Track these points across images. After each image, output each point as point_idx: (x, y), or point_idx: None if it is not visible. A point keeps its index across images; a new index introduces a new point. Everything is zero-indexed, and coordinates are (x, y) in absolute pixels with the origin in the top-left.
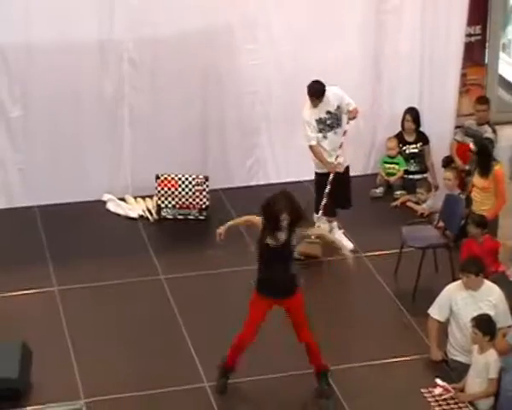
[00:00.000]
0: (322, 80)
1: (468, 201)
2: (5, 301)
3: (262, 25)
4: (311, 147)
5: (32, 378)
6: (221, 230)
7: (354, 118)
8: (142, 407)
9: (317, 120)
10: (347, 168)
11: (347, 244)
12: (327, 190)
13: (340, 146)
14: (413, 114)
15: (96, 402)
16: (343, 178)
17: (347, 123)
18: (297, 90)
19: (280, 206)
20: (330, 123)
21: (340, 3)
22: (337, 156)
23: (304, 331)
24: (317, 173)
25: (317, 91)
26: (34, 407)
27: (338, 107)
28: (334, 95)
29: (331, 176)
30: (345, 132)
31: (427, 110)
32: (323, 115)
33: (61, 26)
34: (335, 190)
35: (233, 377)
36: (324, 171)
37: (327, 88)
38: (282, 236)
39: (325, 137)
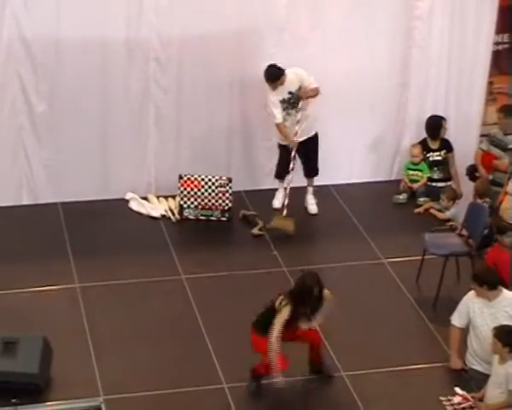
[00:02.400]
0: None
1: (492, 209)
2: (27, 296)
3: (289, 28)
4: (277, 125)
5: (52, 374)
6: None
7: (315, 95)
8: (160, 406)
9: (280, 101)
10: (315, 136)
11: (312, 208)
12: (291, 166)
13: (298, 122)
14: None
15: (115, 400)
16: (311, 146)
17: (305, 100)
18: (323, 94)
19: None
20: (292, 102)
21: (368, 9)
22: (296, 133)
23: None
24: (279, 145)
25: (271, 75)
26: (54, 402)
27: (299, 87)
28: (296, 75)
29: (293, 152)
30: (298, 110)
31: (452, 118)
32: (286, 96)
33: (90, 23)
34: (304, 157)
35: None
36: (286, 143)
37: (288, 70)
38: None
39: (288, 114)
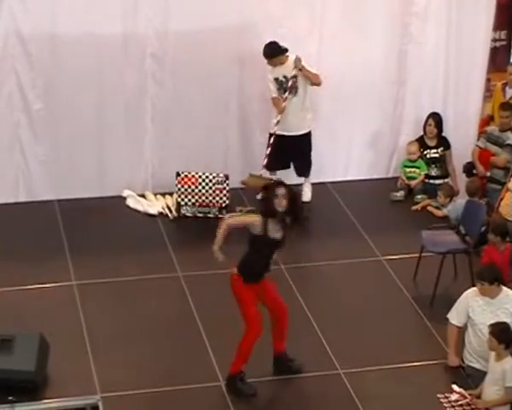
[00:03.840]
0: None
1: (489, 207)
2: (24, 293)
3: (286, 25)
4: (272, 98)
5: (48, 372)
6: (217, 255)
7: (316, 83)
8: (158, 404)
9: (275, 79)
10: (309, 133)
11: (306, 196)
12: (267, 151)
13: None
14: (436, 118)
15: (112, 398)
16: (304, 143)
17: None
18: (321, 90)
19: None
20: (285, 87)
21: (365, 5)
22: (278, 122)
23: (280, 300)
24: (270, 135)
25: (266, 52)
26: (50, 400)
27: (295, 75)
28: (294, 62)
29: (272, 138)
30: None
31: (450, 115)
32: (281, 77)
33: (86, 19)
34: (298, 154)
35: (249, 377)
36: (284, 133)
37: (289, 55)
38: (280, 231)
39: (280, 96)
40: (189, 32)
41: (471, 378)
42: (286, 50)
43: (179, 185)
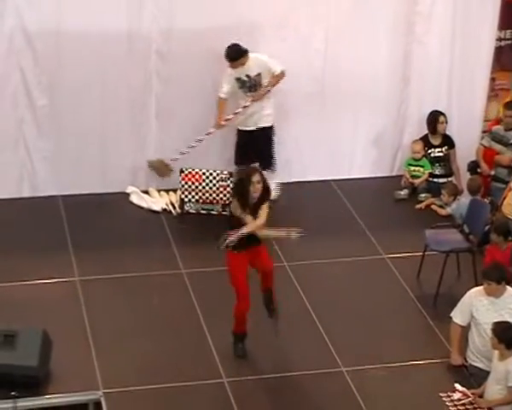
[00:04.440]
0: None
1: (493, 206)
2: (27, 289)
3: (290, 24)
4: (219, 98)
5: (51, 367)
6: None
7: (277, 83)
8: (160, 400)
9: (236, 78)
10: (269, 130)
11: (274, 193)
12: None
13: (245, 107)
14: (445, 116)
15: (114, 393)
16: (263, 138)
17: (268, 86)
18: (325, 89)
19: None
20: (249, 86)
21: (370, 5)
22: (227, 119)
23: (269, 261)
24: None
25: (229, 55)
26: (53, 395)
27: (258, 74)
28: (256, 61)
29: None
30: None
31: (454, 114)
32: (243, 77)
33: (91, 15)
34: (256, 149)
35: (252, 374)
36: (243, 128)
37: (250, 55)
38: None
39: (243, 94)
40: (193, 29)
41: (474, 377)
42: (247, 51)
43: (183, 182)
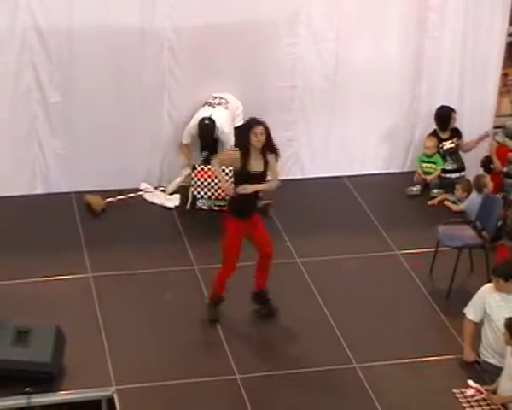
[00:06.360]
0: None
1: (506, 202)
2: (40, 285)
3: (303, 20)
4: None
5: (64, 363)
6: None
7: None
8: (173, 397)
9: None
10: None
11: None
12: None
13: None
14: (455, 112)
15: (127, 390)
16: None
17: None
18: (337, 85)
19: (256, 119)
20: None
21: (382, 0)
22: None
23: (265, 244)
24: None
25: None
26: (66, 391)
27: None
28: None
29: None
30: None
31: (466, 109)
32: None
33: (104, 12)
34: None
35: (264, 370)
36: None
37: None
38: (261, 163)
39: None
40: (206, 26)
41: (487, 374)
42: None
43: (195, 178)
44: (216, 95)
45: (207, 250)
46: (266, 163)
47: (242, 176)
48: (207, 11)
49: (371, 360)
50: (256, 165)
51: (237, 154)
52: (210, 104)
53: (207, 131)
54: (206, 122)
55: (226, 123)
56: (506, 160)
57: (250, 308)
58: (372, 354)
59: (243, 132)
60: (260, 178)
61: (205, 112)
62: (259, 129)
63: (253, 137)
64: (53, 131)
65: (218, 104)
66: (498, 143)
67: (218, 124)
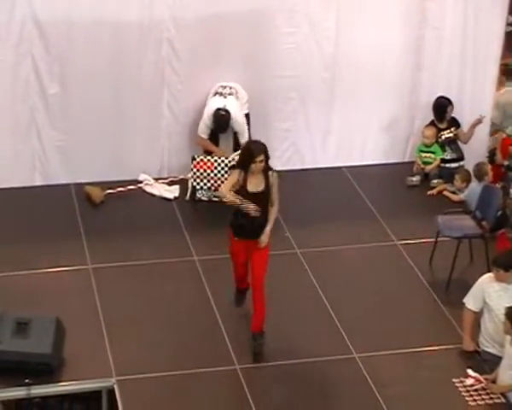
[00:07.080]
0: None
1: (505, 191)
2: (40, 277)
3: (301, 10)
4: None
5: (64, 354)
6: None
7: None
8: (173, 387)
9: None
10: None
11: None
12: None
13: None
14: (452, 103)
15: (128, 380)
16: None
17: None
18: (336, 75)
19: (257, 146)
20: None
21: None
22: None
23: (257, 274)
24: None
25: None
26: (66, 382)
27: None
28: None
29: None
30: None
31: (466, 100)
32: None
33: (103, 4)
34: None
35: (264, 361)
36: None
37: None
38: (262, 184)
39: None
40: (205, 18)
41: (486, 363)
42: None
43: (195, 169)
44: (224, 84)
45: (207, 241)
46: (268, 183)
47: (243, 194)
48: (206, 2)
49: (371, 351)
50: (256, 184)
51: (236, 175)
52: (221, 94)
53: (224, 121)
54: (223, 113)
55: (239, 113)
56: (508, 153)
57: (249, 298)
58: (371, 344)
59: (245, 160)
60: (262, 197)
61: (218, 102)
62: (260, 158)
63: (253, 166)
64: (52, 123)
65: (229, 94)
66: (508, 135)
67: (232, 114)
